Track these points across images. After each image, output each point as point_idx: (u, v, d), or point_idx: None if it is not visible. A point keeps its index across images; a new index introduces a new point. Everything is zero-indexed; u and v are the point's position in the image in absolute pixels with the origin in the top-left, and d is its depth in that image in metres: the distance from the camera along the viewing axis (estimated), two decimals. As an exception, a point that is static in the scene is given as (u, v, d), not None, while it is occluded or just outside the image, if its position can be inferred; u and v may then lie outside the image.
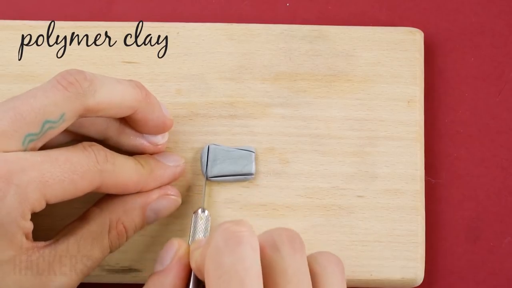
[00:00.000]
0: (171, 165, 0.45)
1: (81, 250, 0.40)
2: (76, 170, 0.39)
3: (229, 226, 0.36)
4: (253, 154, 0.48)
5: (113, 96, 0.40)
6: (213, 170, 0.47)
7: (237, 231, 0.35)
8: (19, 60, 0.49)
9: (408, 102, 0.49)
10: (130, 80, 0.42)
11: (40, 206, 0.38)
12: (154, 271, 0.40)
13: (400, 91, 0.49)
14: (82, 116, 0.40)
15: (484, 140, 0.51)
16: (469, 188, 0.50)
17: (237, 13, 0.52)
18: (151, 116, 0.43)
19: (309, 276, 0.36)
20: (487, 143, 0.51)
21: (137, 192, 0.43)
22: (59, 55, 0.50)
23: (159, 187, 0.44)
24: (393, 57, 0.50)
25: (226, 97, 0.49)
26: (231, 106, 0.49)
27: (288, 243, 0.36)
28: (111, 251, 0.43)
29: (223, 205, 0.48)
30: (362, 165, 0.48)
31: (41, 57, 0.49)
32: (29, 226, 0.38)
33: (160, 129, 0.44)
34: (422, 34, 0.51)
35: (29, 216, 0.38)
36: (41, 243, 0.39)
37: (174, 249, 0.40)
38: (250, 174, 0.47)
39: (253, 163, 0.47)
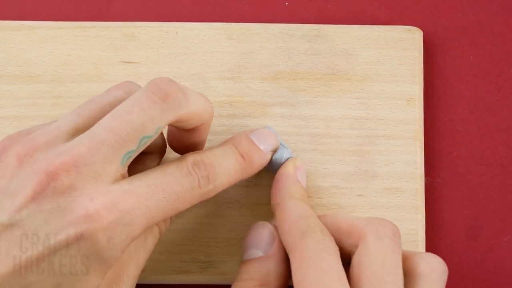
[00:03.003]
0: (263, 148, 0.43)
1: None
2: (179, 199, 0.37)
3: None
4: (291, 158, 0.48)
5: (198, 107, 0.39)
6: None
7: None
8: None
9: (408, 100, 0.49)
10: (200, 93, 0.41)
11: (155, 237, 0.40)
12: (249, 258, 0.39)
13: (399, 89, 0.49)
14: (170, 125, 0.39)
15: (484, 138, 0.51)
16: (469, 187, 0.50)
17: (236, 12, 0.53)
18: (208, 129, 0.42)
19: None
20: (487, 141, 0.51)
21: None
22: (59, 55, 0.50)
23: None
24: (392, 56, 0.50)
25: (225, 96, 0.49)
26: (230, 105, 0.49)
27: (391, 236, 0.37)
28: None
29: (223, 204, 0.48)
30: (361, 164, 0.48)
31: (41, 57, 0.50)
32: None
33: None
34: (421, 32, 0.51)
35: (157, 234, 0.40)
36: None
37: (270, 232, 0.39)
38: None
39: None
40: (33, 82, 0.49)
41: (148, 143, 0.37)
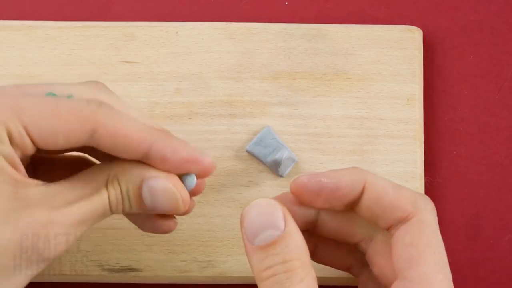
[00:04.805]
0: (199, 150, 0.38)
1: (76, 191, 0.36)
2: (59, 104, 0.34)
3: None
4: (294, 163, 0.48)
5: (126, 130, 0.36)
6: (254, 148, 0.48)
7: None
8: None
9: (408, 100, 0.49)
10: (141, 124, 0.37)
11: (19, 134, 0.34)
12: (265, 243, 0.36)
13: (399, 89, 0.49)
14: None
15: (484, 138, 0.51)
16: (469, 186, 0.50)
17: (236, 12, 0.53)
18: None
19: None
20: (487, 141, 0.51)
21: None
22: (59, 55, 0.50)
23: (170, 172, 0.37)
24: (392, 55, 0.50)
25: (225, 96, 0.49)
26: (230, 105, 0.49)
27: (433, 209, 0.38)
28: (111, 211, 0.37)
29: (223, 204, 0.48)
30: (361, 164, 0.48)
31: (41, 57, 0.50)
32: (9, 152, 0.34)
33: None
34: (421, 32, 0.51)
35: (7, 140, 0.34)
36: (32, 181, 0.35)
37: (280, 209, 0.37)
38: (280, 175, 0.48)
39: (288, 169, 0.48)
40: (34, 82, 0.49)
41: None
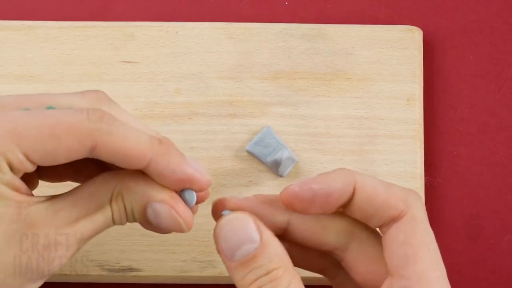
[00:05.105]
0: (195, 167, 0.37)
1: (79, 208, 0.36)
2: (58, 124, 0.34)
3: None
4: (294, 163, 0.48)
5: (127, 145, 0.36)
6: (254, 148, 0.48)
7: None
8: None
9: (408, 100, 0.49)
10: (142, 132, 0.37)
11: (19, 161, 0.34)
12: (246, 256, 0.36)
13: (399, 89, 0.49)
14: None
15: (484, 138, 0.51)
16: (469, 186, 0.50)
17: (236, 12, 0.53)
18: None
19: None
20: (487, 141, 0.51)
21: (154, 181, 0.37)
22: (59, 55, 0.50)
23: (174, 190, 0.38)
24: (392, 55, 0.50)
25: (225, 96, 0.49)
26: (230, 105, 0.49)
27: (423, 204, 0.38)
28: (114, 224, 0.38)
29: (222, 204, 0.48)
30: (361, 164, 0.48)
31: (41, 57, 0.50)
32: (10, 179, 0.34)
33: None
34: (421, 32, 0.51)
35: (7, 169, 0.34)
36: (35, 198, 0.36)
37: (252, 220, 0.36)
38: (280, 175, 0.48)
39: (288, 169, 0.48)
40: (33, 82, 0.49)
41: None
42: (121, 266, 0.46)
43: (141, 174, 0.37)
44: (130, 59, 0.50)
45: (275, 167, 0.48)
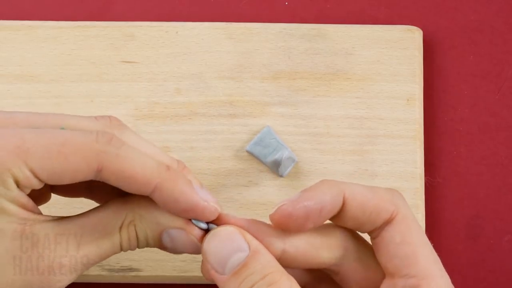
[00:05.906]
0: (202, 196, 0.37)
1: (86, 233, 0.36)
2: (66, 143, 0.34)
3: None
4: (294, 163, 0.48)
5: (133, 170, 0.36)
6: (254, 148, 0.48)
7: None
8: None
9: (408, 100, 0.49)
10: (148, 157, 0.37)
11: (25, 177, 0.34)
12: (236, 266, 0.35)
13: (399, 89, 0.49)
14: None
15: (484, 137, 0.51)
16: (469, 186, 0.50)
17: (236, 12, 0.53)
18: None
19: None
20: (487, 141, 0.51)
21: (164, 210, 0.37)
22: (59, 55, 0.50)
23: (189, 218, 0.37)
24: (392, 55, 0.50)
25: (225, 96, 0.49)
26: (230, 105, 0.49)
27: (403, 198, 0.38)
28: (122, 251, 0.38)
29: (222, 203, 0.47)
30: (361, 164, 0.48)
31: (41, 57, 0.50)
32: (16, 195, 0.34)
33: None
34: (421, 32, 0.51)
35: (13, 186, 0.34)
36: (42, 216, 0.36)
37: (238, 232, 0.36)
38: (281, 175, 0.48)
39: (288, 169, 0.48)
40: (33, 82, 0.49)
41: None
42: (121, 266, 0.46)
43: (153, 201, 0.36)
44: (130, 59, 0.50)
45: (275, 167, 0.48)
